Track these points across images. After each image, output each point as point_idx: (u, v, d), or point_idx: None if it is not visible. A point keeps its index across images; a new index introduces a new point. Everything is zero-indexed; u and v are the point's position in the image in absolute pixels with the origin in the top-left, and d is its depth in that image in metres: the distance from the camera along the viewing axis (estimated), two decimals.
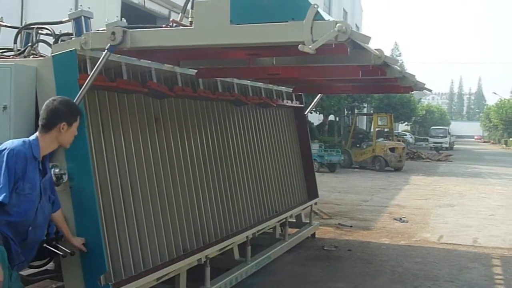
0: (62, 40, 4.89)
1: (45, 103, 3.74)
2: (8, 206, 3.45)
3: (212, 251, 5.94)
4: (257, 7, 3.80)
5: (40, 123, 3.70)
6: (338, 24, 3.43)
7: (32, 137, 3.63)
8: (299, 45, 3.49)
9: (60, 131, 3.67)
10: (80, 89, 4.19)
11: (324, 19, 3.58)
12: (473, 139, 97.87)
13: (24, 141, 3.58)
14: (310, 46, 3.47)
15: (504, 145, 70.70)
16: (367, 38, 3.84)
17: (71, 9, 5.25)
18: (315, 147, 21.82)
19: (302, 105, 9.48)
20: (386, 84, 6.90)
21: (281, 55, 5.03)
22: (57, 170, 4.21)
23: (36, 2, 13.77)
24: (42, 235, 3.88)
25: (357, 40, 3.71)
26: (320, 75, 6.13)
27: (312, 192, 9.56)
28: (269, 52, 4.83)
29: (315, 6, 3.53)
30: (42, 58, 4.84)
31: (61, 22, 5.18)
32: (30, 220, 3.59)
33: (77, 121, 3.78)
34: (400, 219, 12.01)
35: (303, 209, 9.17)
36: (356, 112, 33.97)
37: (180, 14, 4.98)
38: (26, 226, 3.59)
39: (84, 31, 4.73)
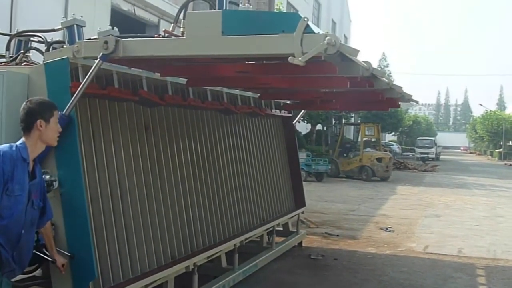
0: (54, 48, 4.93)
1: (21, 107, 3.75)
2: (0, 208, 3.48)
3: (200, 259, 5.98)
4: (248, 19, 3.87)
5: (20, 128, 3.73)
6: (327, 37, 3.50)
7: (18, 142, 3.67)
8: (289, 57, 3.57)
9: (39, 129, 3.68)
10: (72, 97, 4.23)
11: (314, 32, 3.65)
12: (459, 150, 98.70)
13: (11, 145, 3.62)
14: (300, 58, 3.54)
15: (489, 156, 71.40)
16: (356, 51, 3.92)
17: (63, 17, 5.29)
18: (302, 156, 21.92)
19: (290, 115, 9.56)
20: (373, 100, 6.93)
21: (270, 73, 5.07)
22: (47, 177, 4.23)
23: (25, 9, 13.78)
24: (33, 239, 3.89)
25: (346, 53, 3.78)
26: (309, 85, 6.19)
27: (299, 201, 9.62)
28: (258, 69, 4.89)
29: (305, 19, 3.61)
30: (34, 65, 4.87)
31: (53, 30, 5.22)
32: (21, 222, 3.61)
33: (53, 115, 3.76)
34: (386, 228, 12.10)
35: (290, 217, 9.23)
36: (343, 122, 34.15)
37: (172, 24, 5.03)
38: (18, 229, 3.60)
39: (77, 40, 4.77)
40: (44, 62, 4.48)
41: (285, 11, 28.62)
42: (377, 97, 6.27)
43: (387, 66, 74.26)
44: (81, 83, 4.28)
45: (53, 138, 3.81)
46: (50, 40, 5.16)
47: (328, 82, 5.73)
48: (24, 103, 3.74)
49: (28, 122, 3.68)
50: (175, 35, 4.62)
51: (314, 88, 6.64)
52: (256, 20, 3.84)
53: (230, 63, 4.80)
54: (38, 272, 5.07)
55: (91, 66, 4.22)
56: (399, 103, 7.73)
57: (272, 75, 5.21)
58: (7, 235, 3.55)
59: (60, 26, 5.07)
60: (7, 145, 3.62)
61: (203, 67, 5.13)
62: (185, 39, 4.07)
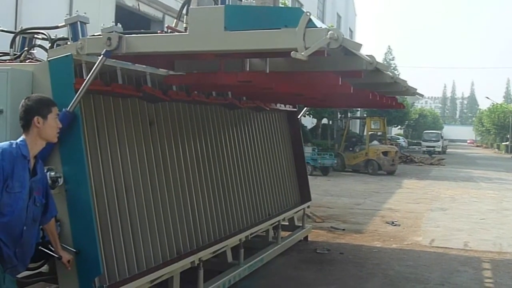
0: (57, 45, 4.93)
1: (20, 104, 3.77)
2: (0, 206, 3.49)
3: (206, 254, 5.99)
4: (251, 14, 3.87)
5: (20, 125, 3.75)
6: (330, 32, 3.49)
7: (19, 139, 3.69)
8: (292, 52, 3.56)
9: (37, 126, 3.69)
10: (76, 93, 4.25)
11: (317, 27, 3.64)
12: (466, 143, 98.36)
13: (11, 142, 3.63)
14: (302, 53, 3.53)
15: (496, 150, 71.08)
16: (358, 45, 3.91)
17: (67, 14, 5.29)
18: (308, 150, 21.94)
19: (295, 109, 9.55)
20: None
21: (273, 81, 5.01)
22: (52, 173, 4.25)
23: (30, 6, 13.81)
24: (36, 235, 3.90)
25: (349, 47, 3.77)
26: (312, 90, 6.03)
27: (305, 195, 9.63)
28: (262, 79, 4.86)
29: (308, 13, 3.60)
30: (38, 62, 4.88)
31: (57, 27, 5.22)
32: (23, 219, 3.62)
33: (51, 112, 3.77)
34: (392, 222, 12.10)
35: (296, 212, 9.23)
36: (349, 116, 34.10)
37: (175, 20, 5.03)
38: (20, 226, 3.61)
39: (80, 36, 4.78)
40: (48, 59, 4.49)
41: (290, 5, 28.56)
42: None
43: (393, 60, 74.06)
44: (85, 79, 4.29)
45: (52, 134, 3.82)
46: (54, 37, 5.16)
47: (331, 88, 5.63)
48: (23, 101, 3.76)
49: (26, 120, 3.70)
50: (178, 31, 4.62)
51: (317, 93, 6.53)
52: (258, 15, 3.82)
53: (232, 58, 4.79)
54: (44, 268, 5.10)
55: (95, 63, 4.22)
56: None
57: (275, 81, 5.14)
58: (9, 232, 3.56)
59: (63, 23, 5.08)
60: (7, 142, 3.64)
61: (205, 75, 5.11)
62: (188, 35, 4.06)
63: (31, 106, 3.71)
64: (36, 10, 13.63)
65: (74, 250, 4.27)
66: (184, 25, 4.56)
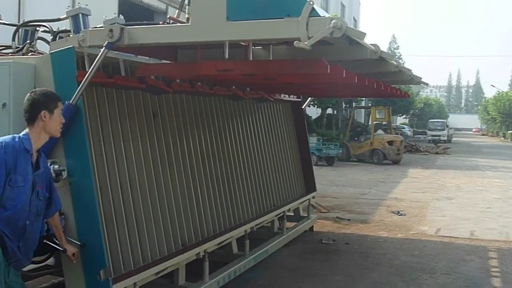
0: (60, 37, 4.91)
1: (25, 98, 3.76)
2: (3, 199, 3.49)
3: (211, 245, 5.99)
4: (253, 4, 3.83)
5: (24, 118, 3.74)
6: (333, 21, 3.46)
7: (22, 133, 3.69)
8: (295, 42, 3.53)
9: (44, 120, 3.69)
10: (79, 86, 4.23)
11: (320, 16, 3.61)
12: (471, 132, 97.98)
13: (13, 136, 3.64)
14: (305, 43, 3.50)
15: (502, 138, 70.77)
16: (363, 34, 3.87)
17: (69, 6, 5.27)
18: (313, 140, 21.91)
19: (299, 99, 9.52)
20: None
21: (257, 69, 4.96)
22: (56, 167, 4.24)
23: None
24: (39, 229, 3.90)
25: (353, 36, 3.74)
26: (314, 80, 5.95)
27: (310, 185, 9.61)
28: (243, 68, 4.81)
29: (311, 2, 3.57)
30: (40, 55, 4.86)
31: (59, 20, 5.20)
32: (25, 213, 3.63)
33: (57, 107, 3.78)
34: (398, 212, 12.07)
35: (301, 202, 9.22)
36: (354, 105, 34.00)
37: (177, 10, 4.99)
38: (23, 220, 3.62)
39: (82, 28, 4.75)
40: (50, 51, 4.47)
41: None
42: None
43: (397, 49, 73.74)
44: (87, 72, 4.27)
45: (57, 129, 3.82)
46: (56, 30, 5.14)
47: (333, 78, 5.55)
48: (29, 94, 3.75)
49: (32, 113, 3.69)
50: (181, 22, 4.59)
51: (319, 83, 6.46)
52: (261, 4, 3.80)
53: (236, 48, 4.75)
54: (50, 261, 5.11)
55: (97, 55, 4.20)
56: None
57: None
58: (12, 226, 3.57)
59: (65, 15, 5.05)
60: (10, 136, 3.65)
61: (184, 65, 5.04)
62: (190, 26, 4.04)
63: (38, 100, 3.70)
64: (39, 3, 13.59)
65: (79, 243, 4.27)
66: (186, 15, 4.53)
